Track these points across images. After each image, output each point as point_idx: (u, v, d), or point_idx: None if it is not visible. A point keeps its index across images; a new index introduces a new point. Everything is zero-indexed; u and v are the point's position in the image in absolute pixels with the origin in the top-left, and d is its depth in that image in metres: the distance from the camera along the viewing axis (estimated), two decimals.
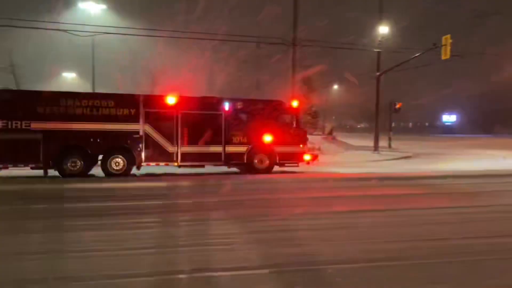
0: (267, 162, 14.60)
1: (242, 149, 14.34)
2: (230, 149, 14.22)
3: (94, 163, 13.40)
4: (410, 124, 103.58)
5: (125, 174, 13.22)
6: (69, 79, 39.43)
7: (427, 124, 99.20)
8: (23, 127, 12.32)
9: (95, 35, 20.56)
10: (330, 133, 31.98)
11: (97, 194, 10.27)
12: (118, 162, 13.20)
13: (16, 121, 12.29)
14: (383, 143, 26.88)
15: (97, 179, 13.01)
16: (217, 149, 14.11)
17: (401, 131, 71.08)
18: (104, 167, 13.18)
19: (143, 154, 13.38)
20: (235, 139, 14.28)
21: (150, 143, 13.43)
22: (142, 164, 13.49)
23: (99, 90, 24.05)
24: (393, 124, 32.39)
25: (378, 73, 24.81)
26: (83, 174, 12.89)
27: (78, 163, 12.83)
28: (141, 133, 13.36)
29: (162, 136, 13.59)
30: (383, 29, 24.46)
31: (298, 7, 20.69)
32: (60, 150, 12.67)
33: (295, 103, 15.48)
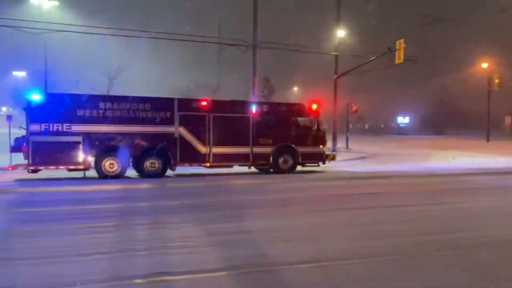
0: (291, 162, 15.19)
1: (267, 150, 14.90)
2: (257, 150, 14.76)
3: (130, 164, 13.61)
4: (367, 126, 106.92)
5: (159, 175, 13.59)
6: (20, 78, 37.65)
7: (382, 125, 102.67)
8: (64, 129, 12.54)
9: (47, 32, 19.67)
10: None
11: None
12: (154, 163, 13.55)
13: (58, 124, 12.46)
14: (341, 144, 27.52)
15: (146, 180, 13.18)
16: (245, 150, 14.66)
17: (358, 132, 73.19)
18: (141, 168, 13.48)
19: (178, 155, 13.75)
20: (261, 141, 14.81)
21: (184, 144, 13.83)
22: (177, 165, 13.90)
23: (52, 89, 23.26)
24: (350, 126, 33.22)
25: (335, 76, 25.39)
26: (120, 175, 13.20)
27: (117, 164, 13.15)
28: (175, 135, 13.75)
29: (195, 138, 14.02)
30: (340, 33, 25.09)
31: (258, 9, 20.75)
32: (99, 152, 12.97)
33: (315, 106, 15.82)
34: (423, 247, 5.83)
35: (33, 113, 12.34)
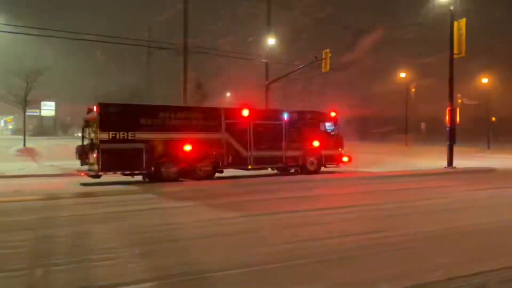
0: (316, 163, 16.96)
1: (297, 153, 16.49)
2: (289, 153, 16.30)
3: (185, 169, 14.43)
4: None
5: (210, 177, 14.81)
6: None
7: None
8: (129, 137, 13.39)
9: None
10: None
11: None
12: (206, 167, 14.76)
13: (123, 132, 13.30)
14: None
15: (202, 182, 14.24)
16: (279, 153, 16.16)
17: None
18: (195, 171, 14.55)
19: (225, 159, 15.01)
20: (292, 145, 16.35)
21: (230, 149, 15.12)
22: (225, 168, 15.22)
23: None
24: None
25: (267, 82, 25.88)
26: (177, 179, 14.19)
27: (173, 168, 14.16)
28: (223, 141, 14.98)
29: (238, 143, 15.28)
30: (271, 41, 25.63)
31: (188, 13, 20.53)
32: (159, 158, 13.89)
33: (333, 113, 17.75)
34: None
35: (103, 122, 13.10)
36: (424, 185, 14.04)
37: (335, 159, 17.42)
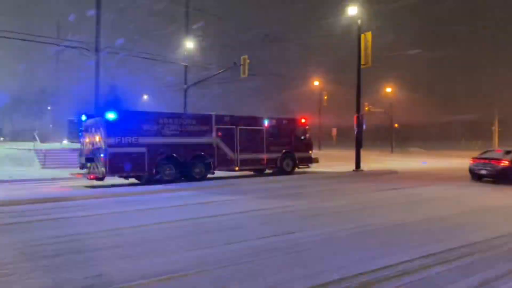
0: (291, 165, 19.06)
1: (275, 155, 18.53)
2: (269, 156, 18.27)
3: (182, 171, 15.57)
4: None
5: (202, 179, 15.95)
6: None
7: None
8: (133, 142, 14.29)
9: None
10: None
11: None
12: (199, 169, 16.00)
13: (128, 137, 14.19)
14: None
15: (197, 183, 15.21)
16: (261, 156, 18.07)
17: None
18: (190, 173, 15.71)
19: (216, 162, 16.38)
20: (271, 148, 18.33)
21: (219, 152, 16.53)
22: (215, 169, 16.58)
23: None
24: None
25: (185, 86, 25.56)
26: (175, 180, 15.20)
27: (172, 170, 15.21)
28: (214, 144, 16.39)
29: (227, 147, 16.79)
30: (189, 44, 25.40)
31: (101, 11, 19.53)
32: (159, 160, 14.88)
33: (304, 120, 20.07)
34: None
35: (109, 128, 13.89)
36: (335, 187, 14.87)
37: (307, 161, 19.88)
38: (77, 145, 26.72)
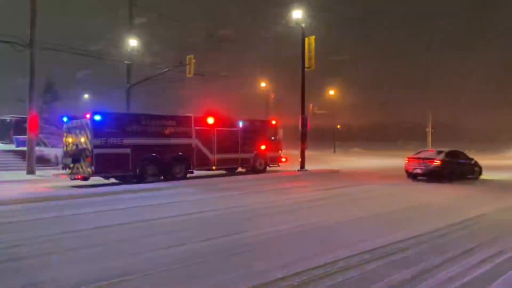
0: (263, 164, 20.44)
1: (249, 155, 19.64)
2: (243, 156, 19.30)
3: (164, 170, 16.13)
4: None
5: (183, 178, 16.47)
6: None
7: None
8: (118, 143, 14.64)
9: None
10: None
11: None
12: (180, 168, 16.60)
13: (113, 138, 14.55)
14: None
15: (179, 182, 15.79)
16: (236, 156, 19.05)
17: None
18: (170, 173, 16.25)
19: (195, 162, 17.08)
20: (245, 148, 19.39)
21: (199, 153, 17.23)
22: (195, 169, 17.28)
23: None
24: None
25: (129, 85, 24.77)
26: (156, 180, 15.61)
27: (155, 170, 15.72)
28: (193, 145, 17.08)
29: (205, 147, 17.52)
30: (133, 42, 24.63)
31: (36, 4, 18.38)
32: (142, 160, 15.28)
33: (274, 121, 21.45)
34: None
35: (95, 129, 14.16)
36: (282, 186, 15.11)
37: (277, 160, 21.14)
38: (10, 146, 25.13)
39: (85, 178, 14.74)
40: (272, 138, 20.87)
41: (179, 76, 23.68)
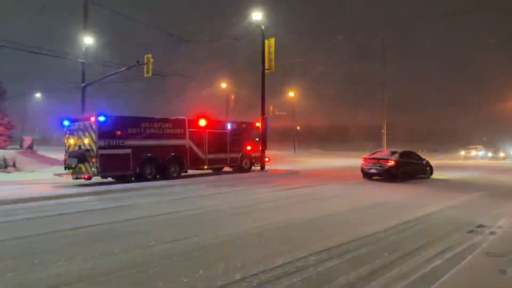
0: (249, 164, 21.58)
1: (236, 155, 20.75)
2: (231, 155, 20.42)
3: (161, 170, 16.98)
4: None
5: (178, 177, 17.30)
6: None
7: None
8: (120, 144, 15.48)
9: None
10: (30, 146, 28.34)
11: None
12: (175, 168, 17.53)
13: (116, 140, 15.38)
14: None
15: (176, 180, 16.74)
16: (225, 156, 20.15)
17: None
18: (167, 173, 17.13)
19: (188, 162, 18.07)
20: (233, 149, 20.50)
21: (191, 153, 18.24)
22: (188, 168, 18.30)
23: None
24: None
25: (83, 84, 23.90)
26: (154, 179, 16.42)
27: (153, 170, 16.55)
28: (187, 146, 18.06)
29: (197, 148, 18.54)
30: (88, 40, 23.78)
31: None
32: (142, 161, 16.09)
33: (258, 124, 22.33)
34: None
35: (99, 131, 14.85)
36: (241, 187, 15.10)
37: (261, 160, 22.37)
38: None
39: (90, 178, 15.66)
40: (257, 139, 22.05)
41: (138, 76, 23.12)
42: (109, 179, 16.35)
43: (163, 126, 17.27)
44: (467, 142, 59.89)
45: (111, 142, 15.26)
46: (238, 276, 5.11)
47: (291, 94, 55.46)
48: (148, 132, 16.59)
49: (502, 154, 45.58)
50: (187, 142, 18.12)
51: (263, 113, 22.20)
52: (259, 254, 6.10)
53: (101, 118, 15.04)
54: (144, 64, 20.85)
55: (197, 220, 8.94)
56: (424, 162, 19.51)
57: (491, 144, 55.31)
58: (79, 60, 23.36)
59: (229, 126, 20.58)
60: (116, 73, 24.05)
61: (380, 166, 17.94)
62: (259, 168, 22.15)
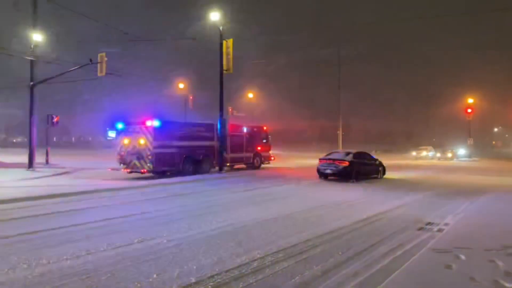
0: (259, 162, 25.51)
1: (250, 155, 24.73)
2: (246, 155, 24.33)
3: (196, 166, 20.12)
4: (73, 139, 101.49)
5: (208, 173, 20.46)
6: None
7: (90, 138, 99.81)
8: (169, 144, 18.74)
9: None
10: None
11: None
12: (206, 165, 20.81)
13: (166, 141, 18.54)
14: (41, 159, 24.74)
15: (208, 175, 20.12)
16: (241, 155, 23.99)
17: (63, 146, 68.30)
18: (199, 169, 20.16)
19: (215, 160, 21.55)
20: (247, 149, 24.39)
21: (218, 153, 21.55)
22: (215, 165, 21.59)
23: None
24: (54, 139, 30.48)
25: (32, 83, 22.71)
26: (192, 173, 19.55)
27: (191, 166, 19.82)
28: (215, 147, 21.51)
29: (224, 148, 21.96)
30: (36, 37, 22.62)
31: None
32: (183, 159, 19.46)
33: (265, 127, 26.88)
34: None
35: (154, 134, 17.97)
36: (196, 190, 14.92)
37: (268, 158, 26.53)
38: None
39: (147, 172, 18.36)
40: (264, 140, 26.23)
41: (92, 75, 22.27)
42: (149, 174, 18.95)
43: (198, 130, 20.94)
44: (418, 143, 62.71)
45: (163, 143, 18.28)
46: (193, 279, 5.05)
47: (250, 95, 55.65)
48: (188, 134, 20.00)
49: (449, 154, 48.12)
50: (215, 143, 21.51)
51: (221, 114, 22.09)
52: (215, 256, 6.05)
53: (156, 123, 18.00)
54: (98, 63, 20.12)
55: (151, 224, 8.70)
56: (377, 162, 20.18)
57: (440, 145, 58.27)
58: (26, 57, 22.16)
59: (245, 129, 24.69)
60: (67, 72, 23.03)
61: (335, 167, 18.36)
62: (267, 165, 26.68)
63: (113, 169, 19.32)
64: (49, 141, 27.14)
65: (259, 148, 25.48)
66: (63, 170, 22.03)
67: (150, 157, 17.81)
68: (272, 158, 27.03)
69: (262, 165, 25.98)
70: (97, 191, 13.66)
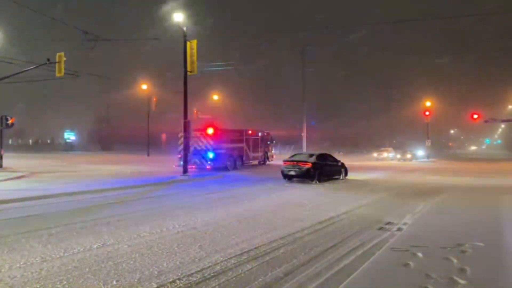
0: (266, 160, 32.26)
1: (261, 154, 31.55)
2: (259, 154, 31.18)
3: (233, 164, 26.81)
4: (30, 141, 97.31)
5: (239, 169, 26.80)
6: None
7: (48, 141, 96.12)
8: (219, 147, 25.30)
9: None
10: None
11: None
12: (239, 163, 27.73)
13: (219, 144, 25.35)
14: None
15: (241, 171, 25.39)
16: (258, 154, 30.95)
17: (20, 148, 65.31)
18: (235, 166, 26.91)
19: (244, 158, 28.62)
20: (260, 149, 31.21)
21: (246, 152, 28.83)
22: (243, 163, 28.43)
23: None
24: (10, 142, 29.05)
25: None
26: (232, 170, 25.93)
27: (231, 164, 26.42)
28: (244, 148, 28.55)
29: (248, 149, 29.08)
30: None
31: None
32: (227, 157, 26.14)
33: (269, 132, 33.42)
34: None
35: (212, 138, 25.05)
36: (164, 193, 14.69)
37: (271, 157, 33.37)
38: None
39: (210, 168, 24.38)
40: (268, 142, 32.95)
41: (50, 75, 21.44)
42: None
43: (235, 134, 27.91)
44: (380, 145, 64.53)
45: (217, 146, 25.03)
46: (154, 285, 4.94)
47: (215, 97, 55.38)
48: (229, 138, 26.69)
49: (408, 156, 49.96)
50: (244, 145, 28.30)
51: (185, 116, 21.83)
52: (178, 260, 5.97)
53: (212, 130, 25.05)
54: (56, 62, 19.40)
55: (111, 228, 8.46)
56: (340, 163, 20.59)
57: (399, 146, 60.23)
58: None
59: (259, 133, 31.01)
60: (23, 71, 22.12)
61: (298, 168, 18.58)
62: (272, 162, 32.68)
63: (177, 165, 23.61)
64: (3, 144, 25.87)
65: (266, 148, 32.54)
66: (19, 174, 21.03)
67: (210, 155, 24.45)
68: (274, 157, 33.87)
69: (268, 162, 32.46)
70: (48, 196, 13.13)
